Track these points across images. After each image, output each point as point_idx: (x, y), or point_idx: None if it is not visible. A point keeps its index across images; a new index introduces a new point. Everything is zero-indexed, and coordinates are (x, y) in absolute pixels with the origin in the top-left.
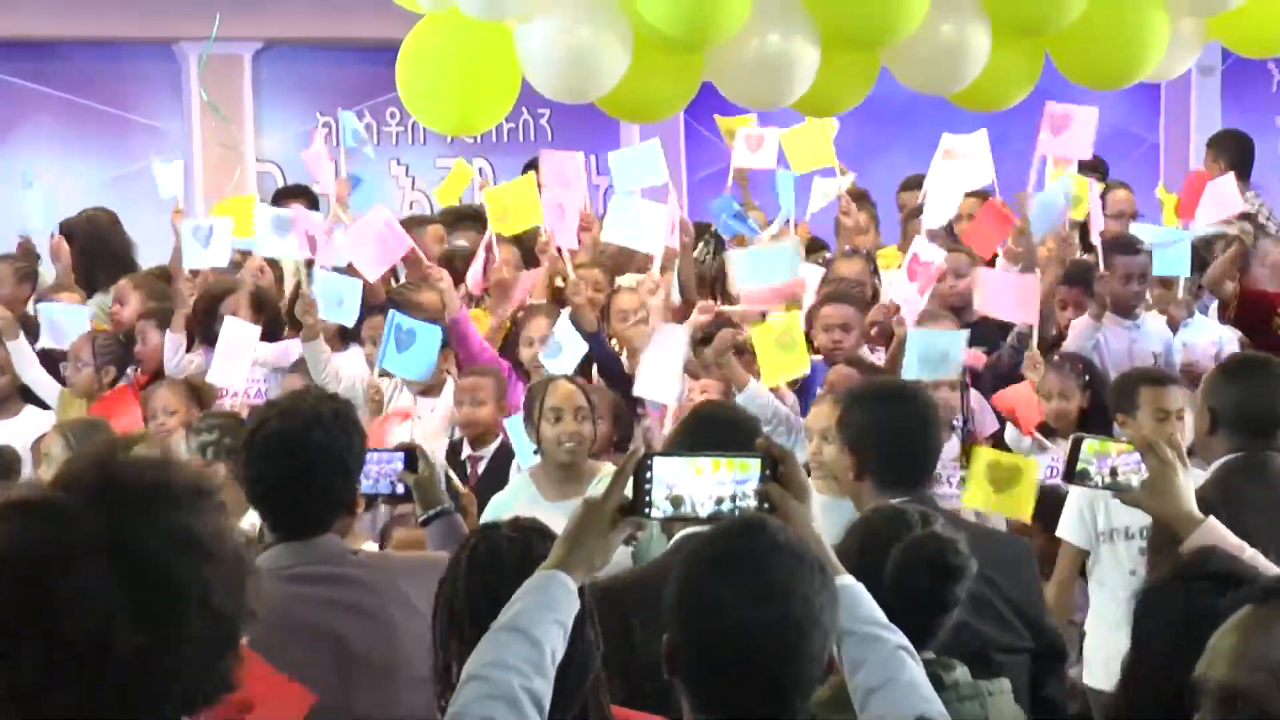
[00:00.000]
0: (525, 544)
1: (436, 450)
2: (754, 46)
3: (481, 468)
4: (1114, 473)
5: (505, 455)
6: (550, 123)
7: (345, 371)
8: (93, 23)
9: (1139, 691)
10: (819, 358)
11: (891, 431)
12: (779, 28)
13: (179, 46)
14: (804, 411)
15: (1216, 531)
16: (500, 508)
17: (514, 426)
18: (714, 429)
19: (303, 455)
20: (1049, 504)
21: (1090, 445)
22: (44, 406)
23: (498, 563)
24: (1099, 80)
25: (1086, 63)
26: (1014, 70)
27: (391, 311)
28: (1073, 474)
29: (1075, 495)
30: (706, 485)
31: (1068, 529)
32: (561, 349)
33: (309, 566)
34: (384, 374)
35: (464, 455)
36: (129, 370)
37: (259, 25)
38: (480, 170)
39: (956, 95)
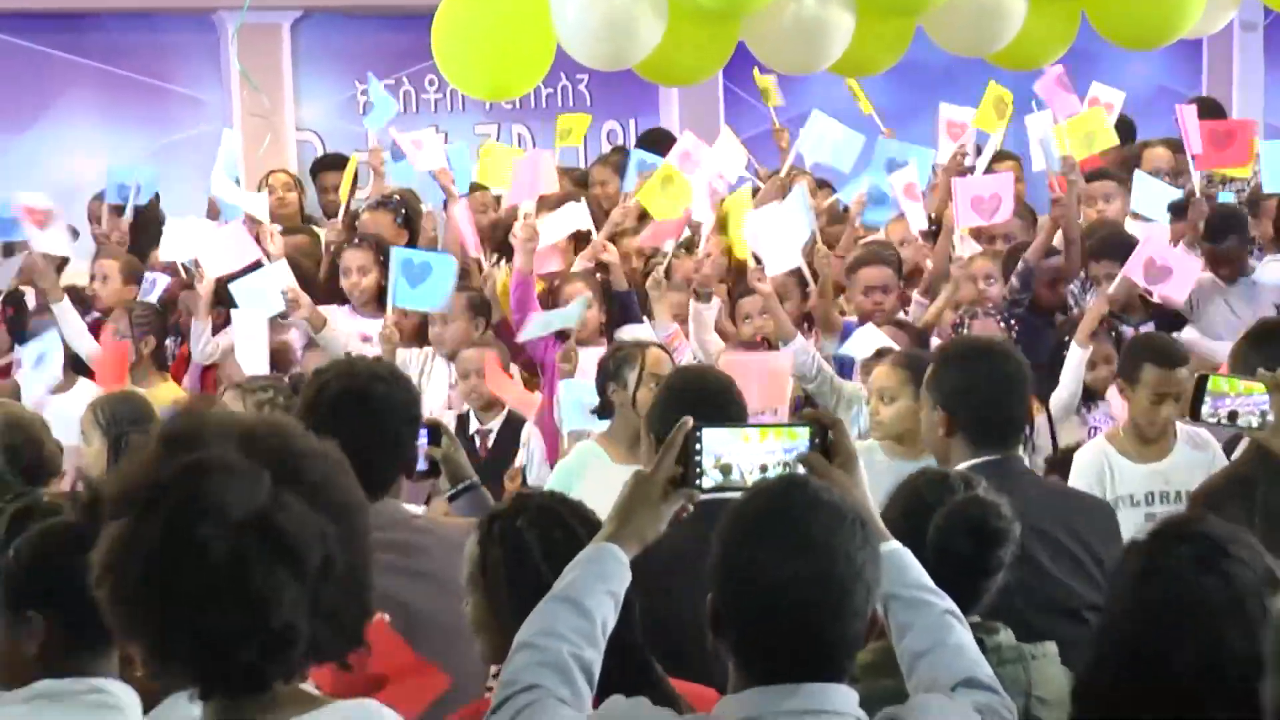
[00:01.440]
0: (553, 516)
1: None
2: (790, 12)
3: (491, 440)
4: (1233, 415)
5: (513, 425)
6: (589, 88)
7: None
8: None
9: (1099, 650)
10: (854, 319)
11: (984, 390)
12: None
13: (217, 16)
14: (840, 372)
15: None
16: (569, 473)
17: (570, 389)
18: (690, 397)
19: (372, 410)
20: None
21: (1215, 383)
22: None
23: (524, 542)
24: (1137, 39)
25: (1124, 21)
26: (1050, 30)
27: (393, 250)
28: (1197, 412)
29: (1082, 465)
30: (755, 454)
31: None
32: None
33: (373, 534)
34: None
35: (472, 429)
36: (168, 341)
37: None
38: (519, 136)
39: (994, 55)
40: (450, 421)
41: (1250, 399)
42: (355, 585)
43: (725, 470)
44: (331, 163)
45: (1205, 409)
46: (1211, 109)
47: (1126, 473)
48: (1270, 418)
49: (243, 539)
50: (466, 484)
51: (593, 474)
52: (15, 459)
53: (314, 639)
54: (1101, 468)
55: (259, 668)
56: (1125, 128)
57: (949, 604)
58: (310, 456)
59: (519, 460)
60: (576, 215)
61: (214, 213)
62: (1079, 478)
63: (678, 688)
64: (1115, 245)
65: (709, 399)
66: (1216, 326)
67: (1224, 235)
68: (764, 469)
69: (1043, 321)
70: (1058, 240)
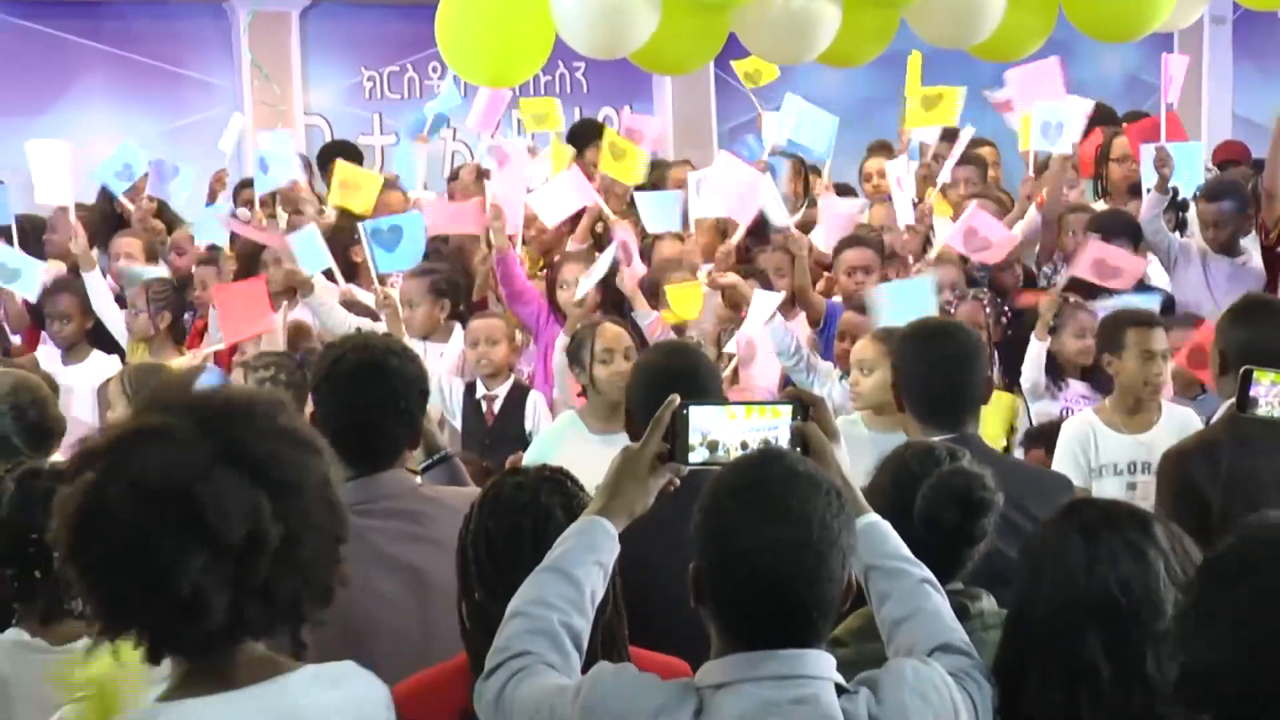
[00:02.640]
0: (534, 491)
1: (455, 390)
2: (779, 4)
3: (497, 406)
4: None
5: (519, 392)
6: (585, 75)
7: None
8: None
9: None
10: (838, 299)
11: (929, 370)
12: None
13: (229, 3)
14: (824, 352)
15: None
16: (548, 441)
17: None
18: (662, 373)
19: (387, 382)
20: (1054, 441)
21: (1260, 374)
22: (109, 351)
23: (505, 511)
24: (1112, 33)
25: (1099, 16)
26: (1029, 24)
27: (359, 224)
28: (1245, 403)
29: (1068, 434)
30: (739, 431)
31: (1062, 466)
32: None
33: (384, 502)
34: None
35: (479, 395)
36: (185, 315)
37: None
38: (517, 120)
39: (974, 48)
40: (459, 388)
41: None
42: (295, 562)
43: (711, 447)
44: (339, 149)
45: (1259, 402)
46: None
47: (1110, 443)
48: None
49: (154, 506)
50: (440, 455)
51: (571, 443)
52: (21, 419)
53: (240, 612)
54: (1086, 437)
55: (174, 632)
56: (1107, 114)
57: (926, 573)
58: (264, 434)
59: (528, 425)
60: (578, 193)
61: (212, 196)
62: (1065, 446)
63: (643, 658)
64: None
65: (681, 376)
66: (1188, 291)
67: (1219, 197)
68: (747, 446)
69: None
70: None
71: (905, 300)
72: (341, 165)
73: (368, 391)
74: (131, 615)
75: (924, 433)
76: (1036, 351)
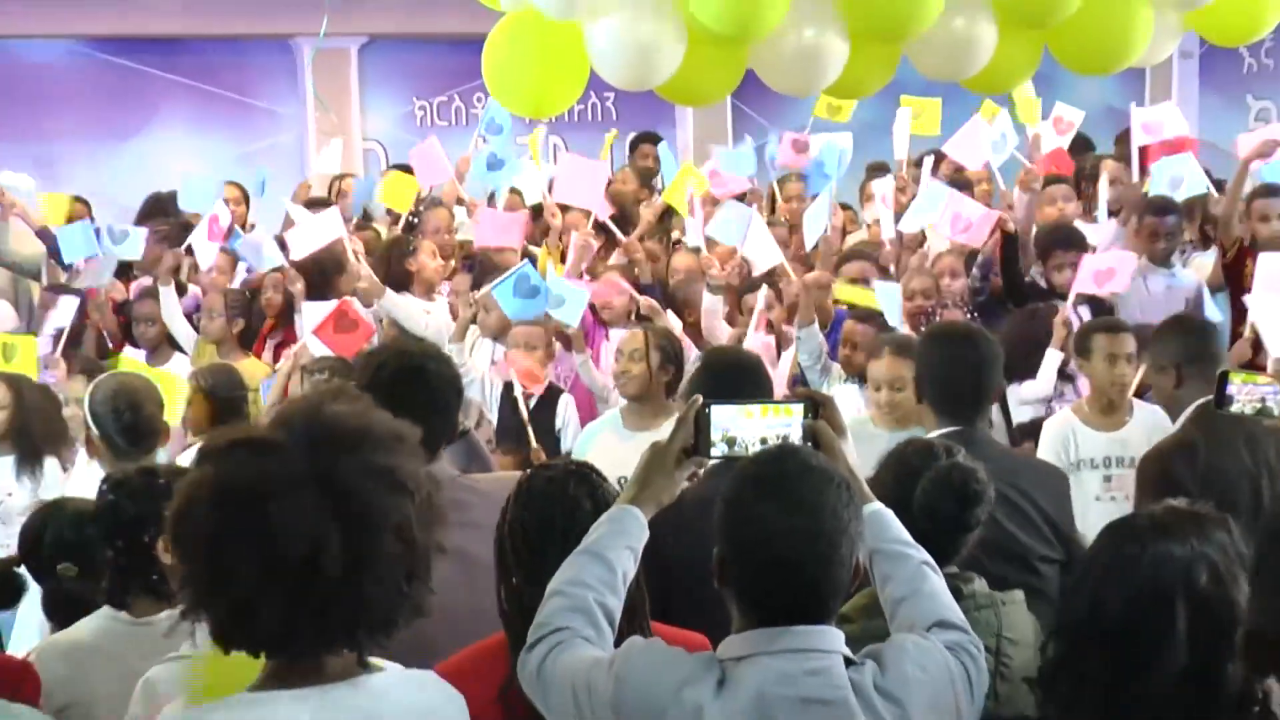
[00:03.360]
0: (563, 484)
1: (495, 387)
2: (791, 41)
3: (533, 403)
4: (1263, 401)
5: (552, 392)
6: (615, 105)
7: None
8: (218, 20)
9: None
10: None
11: (951, 369)
12: (813, 24)
13: (295, 41)
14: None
15: None
16: (589, 434)
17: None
18: (727, 373)
19: (427, 384)
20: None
21: (1234, 377)
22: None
23: (538, 501)
24: (1092, 67)
25: (1081, 52)
26: (1017, 59)
27: (526, 260)
28: (1222, 401)
29: (1050, 431)
30: (756, 428)
31: (1045, 458)
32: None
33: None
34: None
35: (516, 393)
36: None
37: (364, 23)
38: (555, 146)
39: (967, 81)
40: (499, 385)
41: (1267, 388)
42: (356, 592)
43: (730, 442)
44: (399, 170)
45: (1234, 400)
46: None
47: (1088, 439)
48: None
49: (229, 512)
50: (460, 430)
51: (605, 438)
52: (119, 420)
53: (294, 625)
54: (1066, 434)
55: (231, 628)
56: (1084, 143)
57: (925, 556)
58: (360, 470)
59: (558, 423)
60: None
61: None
62: (1047, 442)
63: (664, 633)
64: (1068, 239)
65: (743, 376)
66: (1132, 306)
67: (1166, 212)
68: (764, 441)
69: (1000, 305)
70: None
71: (888, 299)
72: (393, 174)
73: (414, 393)
74: (200, 605)
75: (939, 423)
76: (1054, 361)
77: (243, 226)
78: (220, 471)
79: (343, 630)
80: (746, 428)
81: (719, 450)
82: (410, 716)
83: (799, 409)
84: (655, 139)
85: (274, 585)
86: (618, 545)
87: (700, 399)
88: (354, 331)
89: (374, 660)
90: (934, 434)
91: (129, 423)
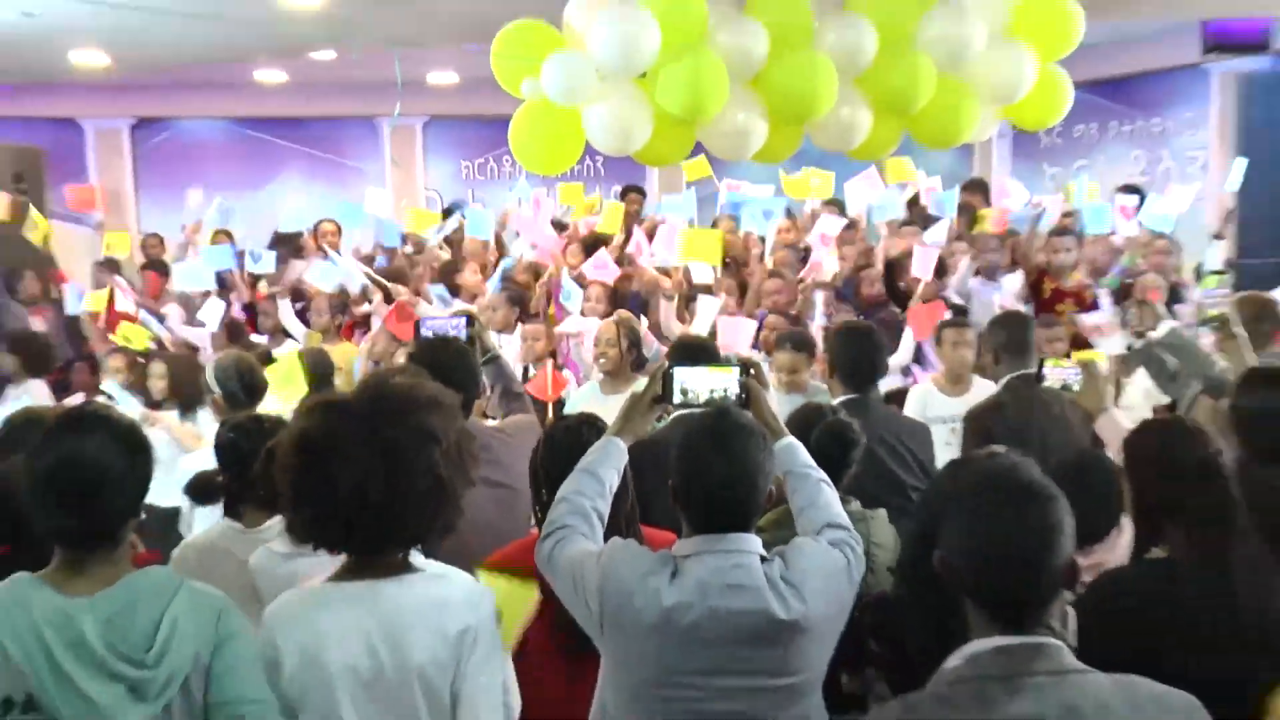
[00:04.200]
0: (577, 431)
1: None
2: (726, 123)
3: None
4: (1065, 380)
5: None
6: (603, 165)
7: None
8: (322, 105)
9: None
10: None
11: (849, 354)
12: (742, 112)
13: (377, 120)
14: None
15: (1114, 416)
16: (579, 397)
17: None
18: (692, 349)
19: (464, 357)
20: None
21: (1049, 362)
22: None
23: (559, 443)
24: (937, 143)
25: (929, 133)
26: (885, 137)
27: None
28: (1040, 379)
29: (914, 395)
30: (705, 382)
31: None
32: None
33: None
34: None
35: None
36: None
37: (426, 108)
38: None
39: (850, 151)
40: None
41: (1070, 371)
42: (393, 514)
43: (685, 393)
44: (449, 210)
45: (1046, 379)
46: (980, 185)
47: (939, 402)
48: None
49: (304, 454)
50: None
51: (589, 399)
52: (241, 381)
53: (349, 536)
54: (925, 398)
55: (307, 535)
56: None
57: (822, 475)
58: (402, 426)
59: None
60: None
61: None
62: (912, 404)
63: (650, 535)
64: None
65: (700, 351)
66: (974, 310)
67: (990, 246)
68: (711, 392)
69: (868, 309)
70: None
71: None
72: (413, 209)
73: (450, 365)
74: (290, 517)
75: (844, 391)
76: (909, 339)
77: (336, 249)
78: (305, 426)
79: (386, 540)
80: (698, 382)
81: (678, 399)
82: (425, 603)
83: (736, 370)
84: (640, 190)
85: (335, 507)
86: (606, 466)
87: (667, 363)
88: (408, 322)
89: (416, 561)
90: (838, 399)
91: (247, 382)
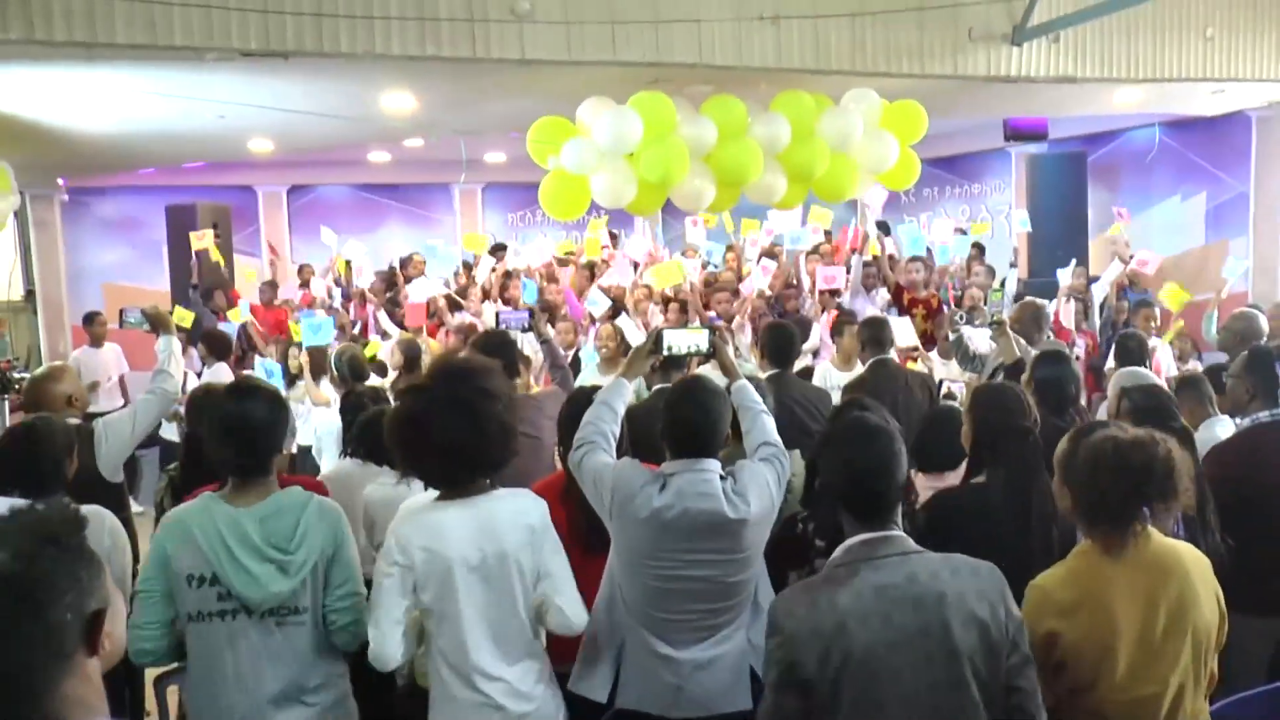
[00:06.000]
0: (589, 397)
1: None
2: (688, 187)
3: (569, 359)
4: (976, 350)
5: (575, 359)
6: (605, 213)
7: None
8: (412, 175)
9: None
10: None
11: (771, 341)
12: (699, 180)
13: (449, 185)
14: None
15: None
16: (585, 377)
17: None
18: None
19: (508, 346)
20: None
21: (964, 331)
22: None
23: (578, 404)
24: (832, 198)
25: (827, 192)
26: (796, 193)
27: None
28: (961, 351)
29: (818, 371)
30: (684, 340)
31: (816, 384)
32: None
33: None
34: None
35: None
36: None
37: (484, 177)
38: (574, 235)
39: (774, 203)
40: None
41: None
42: (479, 455)
43: (670, 348)
44: (499, 247)
45: (969, 344)
46: (884, 226)
47: (835, 375)
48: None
49: (402, 427)
50: (546, 338)
51: (592, 377)
52: (350, 365)
53: (448, 471)
54: (825, 373)
55: (418, 473)
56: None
57: (763, 408)
58: (474, 389)
59: (582, 368)
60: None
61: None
62: (816, 376)
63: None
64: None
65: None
66: (860, 314)
67: (868, 267)
68: (688, 347)
69: (787, 314)
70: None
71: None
72: (469, 234)
73: (499, 352)
74: (403, 463)
75: (770, 367)
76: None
77: (423, 275)
78: (403, 404)
79: (477, 470)
80: (680, 340)
81: (666, 352)
82: (509, 510)
83: (706, 331)
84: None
85: (435, 455)
86: (617, 398)
87: (658, 329)
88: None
89: (497, 488)
90: (766, 374)
91: (354, 367)
